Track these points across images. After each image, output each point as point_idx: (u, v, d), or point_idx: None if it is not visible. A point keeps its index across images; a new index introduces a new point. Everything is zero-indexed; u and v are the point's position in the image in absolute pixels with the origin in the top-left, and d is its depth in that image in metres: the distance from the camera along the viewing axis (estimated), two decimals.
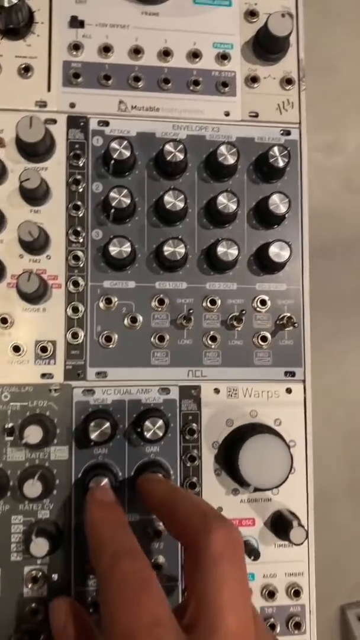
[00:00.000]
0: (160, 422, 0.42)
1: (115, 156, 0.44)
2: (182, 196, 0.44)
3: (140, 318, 0.45)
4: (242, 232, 0.47)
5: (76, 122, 0.47)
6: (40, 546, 0.40)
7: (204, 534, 0.31)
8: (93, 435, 0.42)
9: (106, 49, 0.47)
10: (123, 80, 0.47)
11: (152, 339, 0.45)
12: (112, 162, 0.45)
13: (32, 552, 0.40)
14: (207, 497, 0.45)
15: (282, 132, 0.49)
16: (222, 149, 0.45)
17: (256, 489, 0.43)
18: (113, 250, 0.44)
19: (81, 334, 0.45)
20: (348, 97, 0.74)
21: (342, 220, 0.73)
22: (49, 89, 0.47)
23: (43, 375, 0.44)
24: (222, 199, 0.45)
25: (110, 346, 0.45)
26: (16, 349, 0.44)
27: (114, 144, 0.44)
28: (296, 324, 0.46)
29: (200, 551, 0.31)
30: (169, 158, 0.45)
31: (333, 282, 0.71)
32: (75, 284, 0.45)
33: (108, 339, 0.45)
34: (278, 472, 0.42)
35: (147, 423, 0.42)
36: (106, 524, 0.36)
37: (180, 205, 0.44)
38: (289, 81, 0.49)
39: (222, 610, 0.29)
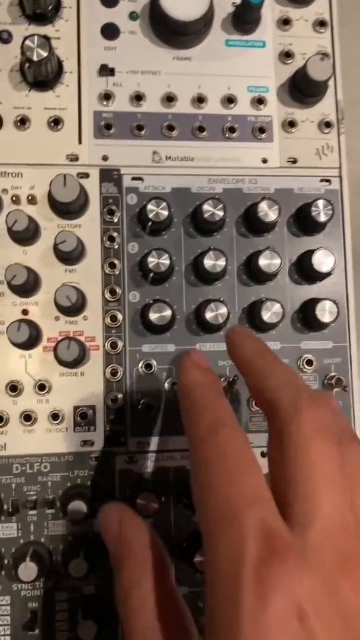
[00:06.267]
0: None
1: (152, 217, 0.42)
2: (223, 257, 0.43)
3: None
4: (284, 289, 0.45)
5: (109, 175, 0.45)
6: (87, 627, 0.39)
7: (294, 413, 0.27)
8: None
9: (138, 98, 0.45)
10: (156, 130, 0.45)
11: None
12: (150, 223, 0.43)
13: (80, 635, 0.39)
14: None
15: (322, 180, 0.47)
16: (263, 205, 0.43)
17: None
18: (153, 316, 0.42)
19: (121, 397, 0.43)
20: None
21: None
22: (79, 142, 0.45)
23: (83, 443, 0.43)
24: (263, 260, 0.43)
25: (151, 414, 0.43)
26: (55, 416, 0.43)
27: (151, 205, 0.42)
28: (347, 387, 0.44)
29: (288, 432, 0.27)
30: (207, 217, 0.43)
31: None
32: (114, 345, 0.44)
33: (149, 406, 0.43)
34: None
35: None
36: (205, 389, 0.31)
37: (222, 265, 0.43)
38: (327, 124, 0.47)
39: (317, 493, 0.25)
